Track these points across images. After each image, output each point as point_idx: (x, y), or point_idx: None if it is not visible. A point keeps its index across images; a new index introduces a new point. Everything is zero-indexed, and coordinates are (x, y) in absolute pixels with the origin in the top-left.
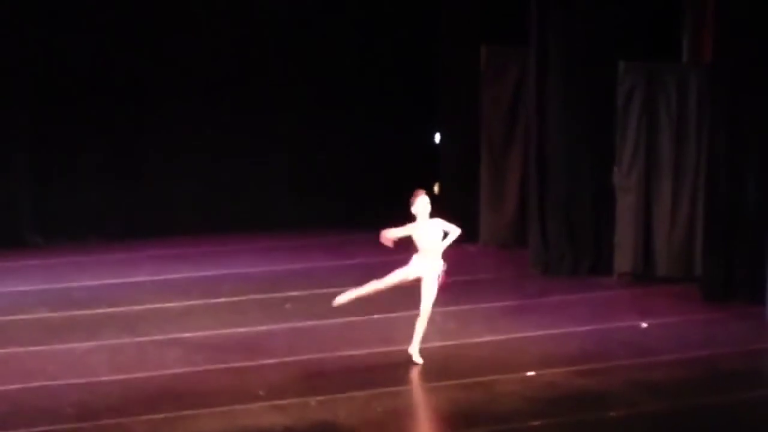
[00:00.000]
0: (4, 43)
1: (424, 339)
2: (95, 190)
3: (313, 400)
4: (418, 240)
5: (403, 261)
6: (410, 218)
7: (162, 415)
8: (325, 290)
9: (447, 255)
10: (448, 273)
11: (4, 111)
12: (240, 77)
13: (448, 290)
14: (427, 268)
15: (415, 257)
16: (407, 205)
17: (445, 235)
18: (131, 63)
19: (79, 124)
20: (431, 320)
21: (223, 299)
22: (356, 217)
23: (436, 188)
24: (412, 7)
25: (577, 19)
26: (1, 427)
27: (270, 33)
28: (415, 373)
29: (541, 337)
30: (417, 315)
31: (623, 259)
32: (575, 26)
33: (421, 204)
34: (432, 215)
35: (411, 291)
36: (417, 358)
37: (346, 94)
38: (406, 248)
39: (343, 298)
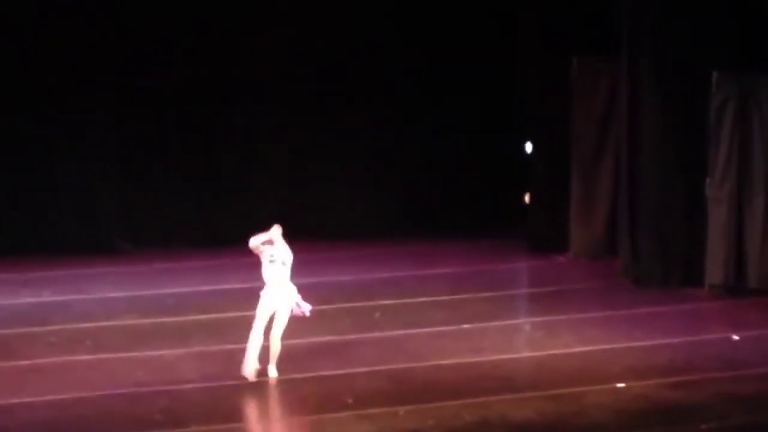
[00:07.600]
0: (92, 54)
1: (514, 349)
2: (184, 198)
3: (401, 410)
4: (265, 268)
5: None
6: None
7: (250, 423)
8: (413, 299)
9: (537, 265)
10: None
11: (95, 121)
12: (325, 87)
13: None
14: (279, 298)
15: (264, 291)
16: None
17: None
18: (218, 74)
19: (169, 134)
20: (520, 331)
21: (311, 308)
22: (444, 227)
23: (526, 198)
24: (506, 17)
25: (670, 29)
26: None
27: (357, 43)
28: (506, 384)
29: (632, 348)
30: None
31: (715, 270)
32: (668, 36)
33: (275, 242)
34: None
35: (500, 302)
36: (273, 372)
37: (436, 104)
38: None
39: (249, 366)
